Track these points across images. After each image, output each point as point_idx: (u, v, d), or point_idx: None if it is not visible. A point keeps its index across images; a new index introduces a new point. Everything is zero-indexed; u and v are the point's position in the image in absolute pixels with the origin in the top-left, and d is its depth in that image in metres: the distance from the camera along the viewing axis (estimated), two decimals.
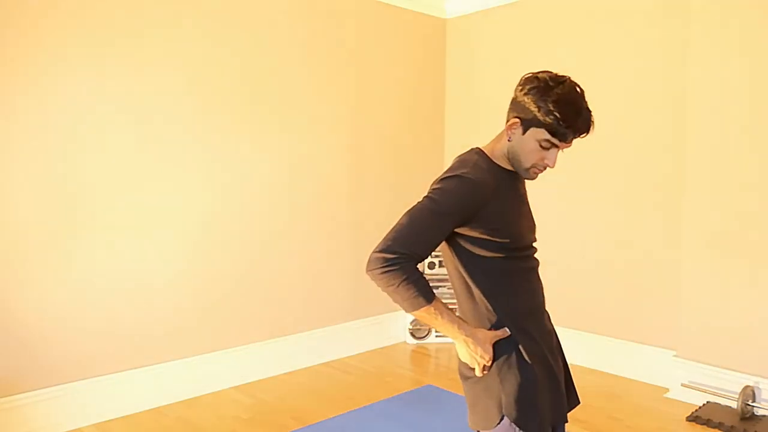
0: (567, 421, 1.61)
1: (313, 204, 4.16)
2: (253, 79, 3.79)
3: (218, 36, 3.62)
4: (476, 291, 1.52)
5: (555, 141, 1.46)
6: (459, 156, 1.57)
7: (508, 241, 1.50)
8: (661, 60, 3.73)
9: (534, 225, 1.65)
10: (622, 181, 3.93)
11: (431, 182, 1.53)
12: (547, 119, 1.43)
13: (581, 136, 1.48)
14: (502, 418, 1.47)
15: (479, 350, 1.46)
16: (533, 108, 1.45)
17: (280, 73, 3.93)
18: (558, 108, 1.42)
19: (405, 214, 1.45)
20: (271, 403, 3.51)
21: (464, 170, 1.47)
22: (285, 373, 4.01)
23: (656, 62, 3.75)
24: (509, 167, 1.55)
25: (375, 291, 4.51)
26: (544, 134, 1.45)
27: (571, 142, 1.47)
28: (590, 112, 1.47)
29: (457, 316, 1.49)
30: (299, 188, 4.07)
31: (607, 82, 3.96)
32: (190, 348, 3.59)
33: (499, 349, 1.50)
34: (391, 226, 1.44)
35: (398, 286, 1.39)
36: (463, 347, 1.48)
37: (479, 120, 4.79)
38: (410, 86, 4.75)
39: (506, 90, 1.65)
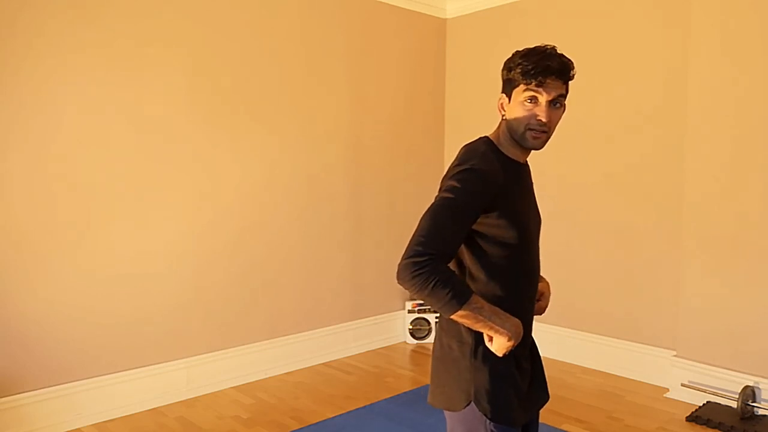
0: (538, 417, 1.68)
1: (313, 204, 4.16)
2: (252, 79, 3.79)
3: (218, 35, 3.62)
4: (473, 284, 1.52)
5: (533, 88, 1.46)
6: (467, 145, 1.57)
7: (515, 234, 1.50)
8: (661, 60, 3.73)
9: (540, 219, 1.65)
10: (623, 181, 3.93)
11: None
12: (517, 70, 1.47)
13: (557, 77, 1.46)
14: (467, 405, 1.49)
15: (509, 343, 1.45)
16: (506, 73, 1.52)
17: (279, 73, 3.92)
18: (523, 57, 1.48)
19: (424, 215, 1.44)
20: (271, 403, 3.51)
21: (473, 162, 1.47)
22: (285, 373, 4.01)
23: (657, 63, 3.75)
24: (515, 155, 1.55)
25: (375, 291, 4.56)
26: (522, 88, 1.48)
27: (551, 87, 1.46)
28: (562, 54, 1.49)
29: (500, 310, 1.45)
30: (299, 188, 4.07)
31: (607, 82, 3.96)
32: (190, 348, 3.59)
33: (477, 338, 1.50)
34: (405, 230, 1.44)
35: (432, 288, 1.35)
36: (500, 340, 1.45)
37: (479, 120, 4.79)
38: (410, 86, 4.75)
39: None
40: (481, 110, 4.73)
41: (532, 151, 1.57)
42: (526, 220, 1.54)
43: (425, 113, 4.88)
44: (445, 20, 4.97)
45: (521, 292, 1.56)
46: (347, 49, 4.29)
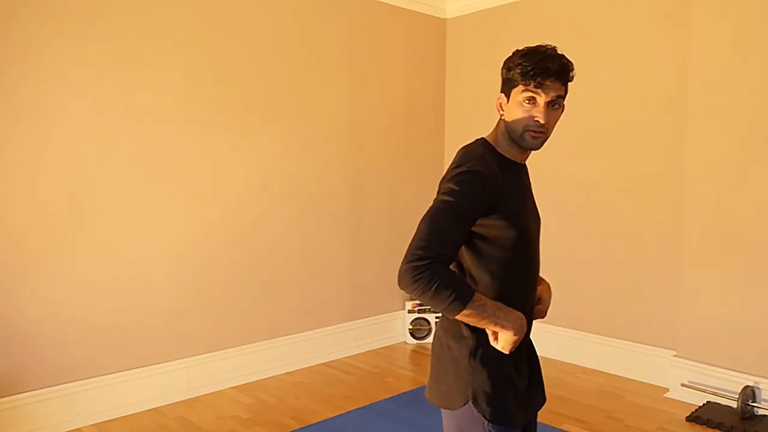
0: (536, 418, 1.68)
1: (313, 204, 4.16)
2: (252, 79, 3.79)
3: (218, 36, 3.62)
4: (474, 287, 1.51)
5: (531, 88, 1.46)
6: (464, 147, 1.57)
7: (515, 234, 1.49)
8: (661, 59, 3.73)
9: (539, 219, 1.65)
10: (623, 181, 3.93)
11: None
12: (516, 70, 1.47)
13: (556, 79, 1.46)
14: (464, 405, 1.49)
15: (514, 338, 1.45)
16: (505, 72, 1.51)
17: (279, 74, 3.92)
18: (523, 57, 1.47)
19: (423, 219, 1.44)
20: (271, 403, 3.51)
21: (471, 164, 1.47)
22: (285, 373, 4.01)
23: (657, 62, 3.75)
24: (513, 156, 1.55)
25: (375, 291, 4.56)
26: (520, 89, 1.47)
27: (550, 88, 1.45)
28: (562, 56, 1.48)
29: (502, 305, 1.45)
30: (299, 189, 4.07)
31: (607, 82, 3.96)
32: (190, 348, 3.59)
33: (478, 339, 1.50)
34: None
35: (435, 291, 1.35)
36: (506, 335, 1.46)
37: (479, 119, 4.79)
38: (410, 86, 4.75)
39: None
40: (481, 110, 4.73)
41: (532, 151, 1.57)
42: (525, 221, 1.54)
43: (425, 113, 4.88)
44: (445, 20, 4.97)
45: (522, 293, 1.56)
46: (348, 48, 4.29)
